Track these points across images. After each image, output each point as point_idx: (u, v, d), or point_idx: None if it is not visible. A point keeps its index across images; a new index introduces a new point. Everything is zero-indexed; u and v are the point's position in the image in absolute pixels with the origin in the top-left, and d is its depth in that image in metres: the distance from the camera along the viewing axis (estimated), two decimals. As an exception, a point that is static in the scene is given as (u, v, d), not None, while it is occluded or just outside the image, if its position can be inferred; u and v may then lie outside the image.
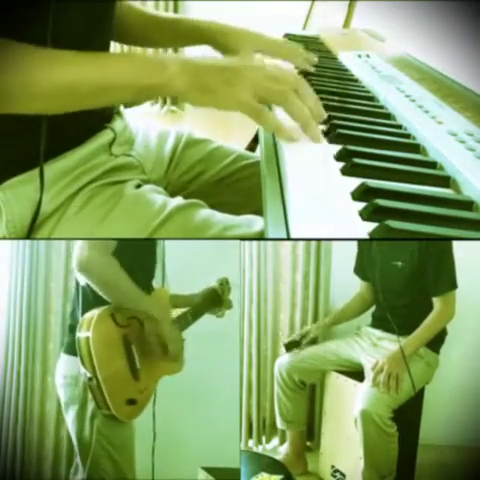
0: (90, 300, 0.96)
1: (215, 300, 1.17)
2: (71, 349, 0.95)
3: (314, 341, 1.51)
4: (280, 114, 0.82)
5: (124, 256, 0.93)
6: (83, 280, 0.95)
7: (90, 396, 0.93)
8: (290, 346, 1.48)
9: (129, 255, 0.95)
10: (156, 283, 1.07)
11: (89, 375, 0.91)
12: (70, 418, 0.97)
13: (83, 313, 0.95)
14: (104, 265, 0.91)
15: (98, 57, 0.83)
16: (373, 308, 1.49)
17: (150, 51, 3.44)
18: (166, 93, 0.83)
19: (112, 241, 0.92)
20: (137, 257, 0.99)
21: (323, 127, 0.86)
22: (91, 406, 0.94)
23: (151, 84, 0.81)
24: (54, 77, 0.77)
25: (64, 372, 0.98)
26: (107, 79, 0.80)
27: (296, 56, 1.15)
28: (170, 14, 1.23)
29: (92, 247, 0.90)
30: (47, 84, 0.77)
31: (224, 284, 1.18)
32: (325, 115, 0.86)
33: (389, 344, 1.36)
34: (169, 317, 1.00)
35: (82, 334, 0.92)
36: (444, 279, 1.32)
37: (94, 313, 0.93)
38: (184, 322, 1.08)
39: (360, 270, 1.50)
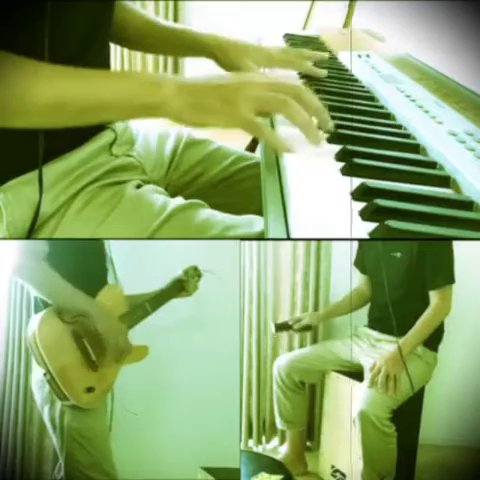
0: (41, 307, 1.01)
1: (178, 288, 1.19)
2: None
3: (308, 329, 1.51)
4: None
5: (66, 262, 0.99)
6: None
7: None
8: (280, 327, 1.49)
9: (72, 261, 1.01)
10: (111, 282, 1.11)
11: (43, 371, 0.98)
12: (45, 418, 1.03)
13: None
14: (37, 271, 0.98)
15: (94, 74, 0.82)
16: (369, 308, 1.49)
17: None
18: (161, 114, 0.80)
19: (44, 246, 0.97)
20: (82, 262, 1.04)
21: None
22: (59, 403, 0.99)
23: (146, 104, 0.80)
24: (47, 93, 0.77)
25: (36, 377, 1.02)
26: (100, 97, 0.79)
27: (302, 62, 1.14)
28: (172, 23, 1.22)
29: (25, 254, 0.96)
30: (40, 99, 0.77)
31: (190, 272, 1.19)
32: (330, 123, 0.84)
33: (387, 345, 1.36)
34: (107, 313, 1.03)
35: (30, 333, 0.98)
36: (442, 273, 1.32)
37: (40, 314, 0.99)
38: (141, 312, 1.11)
39: (360, 263, 1.50)
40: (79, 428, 1.01)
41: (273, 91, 0.79)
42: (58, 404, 1.00)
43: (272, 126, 0.88)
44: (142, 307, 1.11)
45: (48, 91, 0.77)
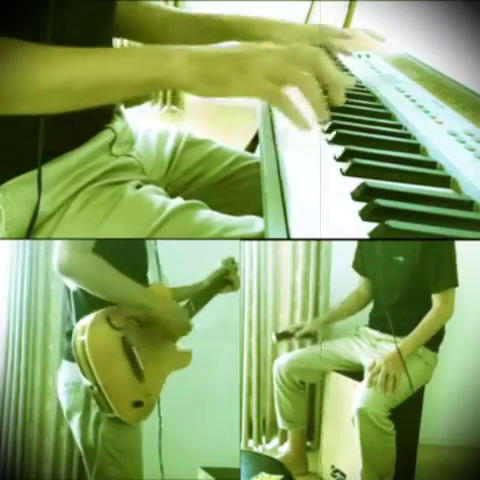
0: (83, 305, 0.94)
1: (223, 283, 1.13)
2: (71, 355, 0.93)
3: (309, 336, 1.51)
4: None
5: (110, 254, 0.91)
6: (73, 285, 0.94)
7: (93, 401, 0.92)
8: (281, 336, 1.48)
9: (115, 253, 0.93)
10: (152, 280, 1.04)
11: (89, 383, 0.90)
12: (74, 425, 0.95)
13: (77, 319, 0.93)
14: (86, 263, 0.89)
15: (98, 52, 0.80)
16: (371, 308, 1.49)
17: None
18: (171, 86, 0.79)
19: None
20: (125, 254, 0.97)
21: (323, 127, 0.87)
22: (94, 412, 0.92)
23: (154, 77, 0.77)
24: (53, 75, 0.76)
25: (65, 379, 0.96)
26: (108, 74, 0.77)
27: (331, 38, 1.12)
28: (192, 11, 1.21)
29: (71, 247, 0.88)
30: (47, 82, 0.75)
31: (230, 264, 1.14)
32: (342, 98, 0.84)
33: (387, 345, 1.36)
34: (167, 303, 0.98)
35: (77, 341, 0.90)
36: (445, 276, 1.32)
37: (88, 318, 0.91)
38: (187, 313, 1.04)
39: (359, 265, 1.49)
40: (114, 441, 0.93)
41: (289, 60, 0.77)
42: (93, 412, 0.92)
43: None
44: (187, 307, 1.04)
45: (53, 72, 0.76)
